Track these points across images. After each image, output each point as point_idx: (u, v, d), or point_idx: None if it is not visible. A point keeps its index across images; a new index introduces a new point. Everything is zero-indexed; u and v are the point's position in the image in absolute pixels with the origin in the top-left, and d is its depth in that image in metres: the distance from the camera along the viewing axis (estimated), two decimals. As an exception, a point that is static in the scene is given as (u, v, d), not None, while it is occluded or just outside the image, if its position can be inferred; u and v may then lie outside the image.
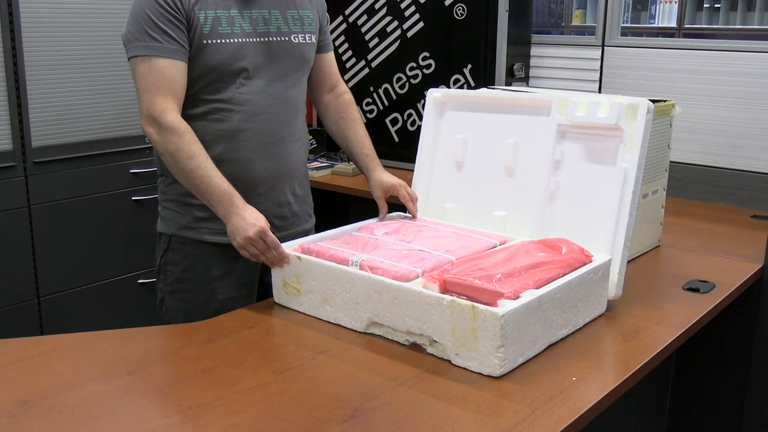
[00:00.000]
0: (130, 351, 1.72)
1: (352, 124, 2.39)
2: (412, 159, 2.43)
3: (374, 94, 4.07)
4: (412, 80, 3.91)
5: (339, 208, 4.08)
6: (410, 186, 2.37)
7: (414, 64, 3.88)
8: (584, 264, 1.86)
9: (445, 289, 1.72)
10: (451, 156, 2.35)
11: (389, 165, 3.81)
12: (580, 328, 1.84)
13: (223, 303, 2.17)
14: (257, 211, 1.98)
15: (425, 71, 3.86)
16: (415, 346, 1.73)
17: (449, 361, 1.67)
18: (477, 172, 2.29)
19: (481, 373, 1.61)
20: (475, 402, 1.50)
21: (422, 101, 3.86)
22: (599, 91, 3.64)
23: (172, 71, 1.99)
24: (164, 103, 1.98)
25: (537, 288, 1.69)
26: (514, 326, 1.59)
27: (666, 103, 2.43)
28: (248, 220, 1.94)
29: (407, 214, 2.34)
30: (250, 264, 2.17)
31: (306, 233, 2.29)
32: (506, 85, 3.69)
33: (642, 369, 1.67)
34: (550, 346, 1.74)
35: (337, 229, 2.17)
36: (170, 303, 2.21)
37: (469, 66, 3.71)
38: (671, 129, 2.51)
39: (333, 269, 1.85)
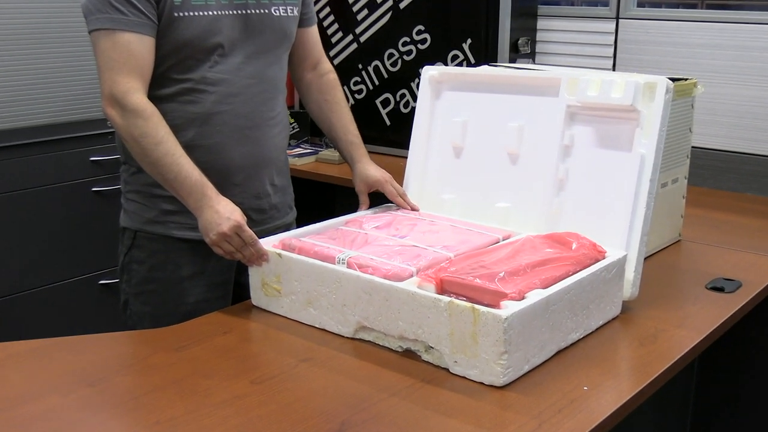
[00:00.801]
0: (92, 360, 1.72)
1: (336, 107, 2.39)
2: (405, 145, 2.44)
3: (363, 73, 4.08)
4: (405, 57, 3.91)
5: (324, 199, 4.08)
6: (403, 175, 2.38)
7: (407, 39, 3.89)
8: (597, 261, 1.87)
9: (442, 289, 1.72)
10: (448, 141, 2.35)
11: (380, 151, 3.82)
12: (593, 332, 1.85)
13: (194, 306, 2.17)
14: (232, 203, 1.98)
15: (420, 47, 3.86)
16: (409, 353, 1.74)
17: (447, 370, 1.67)
18: (477, 159, 2.30)
19: (482, 383, 1.62)
20: (475, 415, 1.51)
21: (416, 80, 3.86)
22: (613, 69, 3.65)
23: (138, 47, 1.98)
24: (129, 83, 1.97)
25: (544, 288, 1.70)
26: (519, 330, 1.60)
27: (687, 81, 2.44)
28: (222, 213, 1.94)
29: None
30: (225, 262, 2.17)
31: (287, 227, 2.30)
32: (510, 62, 3.69)
33: (661, 377, 1.69)
34: (559, 352, 1.75)
35: (322, 222, 2.17)
36: (135, 306, 2.21)
37: (469, 41, 3.71)
38: (693, 111, 2.51)
39: (317, 268, 1.86)
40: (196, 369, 1.68)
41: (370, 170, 2.32)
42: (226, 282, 2.24)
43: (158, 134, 1.97)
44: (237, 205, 1.99)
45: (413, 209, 2.30)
